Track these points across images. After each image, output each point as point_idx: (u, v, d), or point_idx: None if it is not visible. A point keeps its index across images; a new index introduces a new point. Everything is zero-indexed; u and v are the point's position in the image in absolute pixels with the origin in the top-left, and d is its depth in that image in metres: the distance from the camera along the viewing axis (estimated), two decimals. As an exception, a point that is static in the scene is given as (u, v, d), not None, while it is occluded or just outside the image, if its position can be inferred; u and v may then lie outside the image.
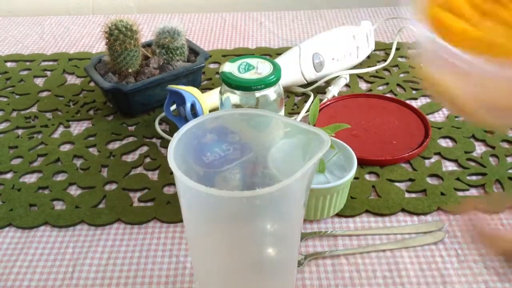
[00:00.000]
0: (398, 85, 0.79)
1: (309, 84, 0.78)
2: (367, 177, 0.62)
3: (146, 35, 0.96)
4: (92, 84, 0.81)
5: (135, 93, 0.69)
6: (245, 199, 0.33)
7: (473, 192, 0.59)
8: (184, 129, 0.38)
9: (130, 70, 0.72)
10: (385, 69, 0.83)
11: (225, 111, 0.40)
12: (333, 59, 0.77)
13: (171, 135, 0.51)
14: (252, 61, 0.59)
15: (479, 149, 0.66)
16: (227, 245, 0.38)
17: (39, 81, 0.83)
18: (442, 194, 0.59)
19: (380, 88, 0.79)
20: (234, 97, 0.58)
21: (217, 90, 0.68)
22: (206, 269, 0.42)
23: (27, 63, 0.88)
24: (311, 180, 0.36)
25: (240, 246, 0.39)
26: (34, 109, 0.76)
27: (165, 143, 0.68)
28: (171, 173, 0.63)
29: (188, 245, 0.48)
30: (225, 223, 0.37)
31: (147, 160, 0.66)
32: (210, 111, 0.68)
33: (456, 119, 0.71)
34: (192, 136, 0.39)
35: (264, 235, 0.39)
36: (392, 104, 0.73)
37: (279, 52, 0.87)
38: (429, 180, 0.61)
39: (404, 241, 0.53)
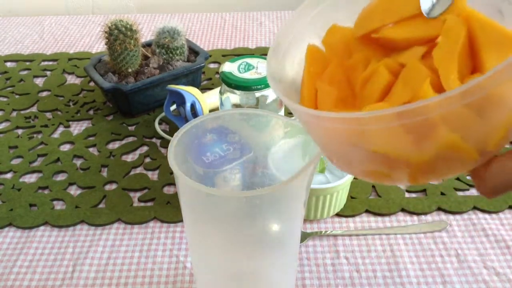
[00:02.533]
0: (398, 85, 0.79)
1: (309, 84, 0.77)
2: (367, 177, 0.62)
3: (146, 35, 0.96)
4: (92, 84, 0.81)
5: (135, 93, 0.69)
6: (245, 199, 0.33)
7: (473, 192, 0.59)
8: (184, 129, 0.38)
9: (130, 70, 0.72)
10: (385, 69, 0.83)
11: (225, 111, 0.40)
12: (333, 59, 0.77)
13: (171, 135, 0.51)
14: (252, 61, 0.59)
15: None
16: (227, 244, 0.38)
17: (39, 81, 0.83)
18: (442, 194, 0.59)
19: (380, 88, 0.79)
20: (234, 97, 0.58)
21: (217, 90, 0.68)
22: (206, 268, 0.42)
23: (27, 63, 0.88)
24: (311, 179, 0.36)
25: (240, 246, 0.39)
26: (34, 109, 0.76)
27: (165, 143, 0.68)
28: (171, 173, 0.63)
29: (188, 244, 0.48)
30: (225, 223, 0.37)
31: (147, 160, 0.66)
32: (210, 111, 0.68)
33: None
34: (192, 136, 0.39)
35: (264, 234, 0.38)
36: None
37: (279, 52, 0.87)
38: (429, 180, 0.61)
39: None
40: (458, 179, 0.61)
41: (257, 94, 0.57)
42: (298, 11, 0.34)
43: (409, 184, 0.26)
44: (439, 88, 0.26)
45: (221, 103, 0.61)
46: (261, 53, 0.89)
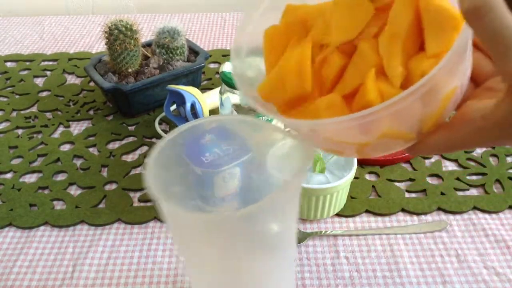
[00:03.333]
0: (398, 84, 0.79)
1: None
2: (367, 177, 0.62)
3: (146, 35, 0.96)
4: (92, 84, 0.81)
5: (135, 93, 0.69)
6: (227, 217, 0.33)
7: (473, 192, 0.59)
8: (162, 142, 0.36)
9: (130, 70, 0.72)
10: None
11: (223, 116, 0.40)
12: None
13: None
14: (252, 61, 0.59)
15: (479, 148, 0.66)
16: (220, 257, 0.38)
17: (39, 81, 0.83)
18: (442, 194, 0.59)
19: (380, 87, 0.79)
20: (234, 97, 0.58)
21: (217, 90, 0.68)
22: (202, 279, 0.41)
23: (27, 63, 0.88)
24: (302, 182, 0.36)
25: (235, 258, 0.38)
26: (34, 109, 0.76)
27: (165, 143, 0.68)
28: (171, 173, 0.63)
29: (184, 263, 0.48)
30: (217, 242, 0.37)
31: (147, 160, 0.66)
32: (210, 111, 0.68)
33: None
34: (190, 137, 0.39)
35: (260, 241, 0.38)
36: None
37: (279, 52, 0.87)
38: (429, 180, 0.61)
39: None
40: (458, 179, 0.61)
41: (257, 94, 0.57)
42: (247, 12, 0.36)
43: (359, 157, 0.32)
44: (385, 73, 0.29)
45: (221, 103, 0.61)
46: (261, 53, 0.89)
